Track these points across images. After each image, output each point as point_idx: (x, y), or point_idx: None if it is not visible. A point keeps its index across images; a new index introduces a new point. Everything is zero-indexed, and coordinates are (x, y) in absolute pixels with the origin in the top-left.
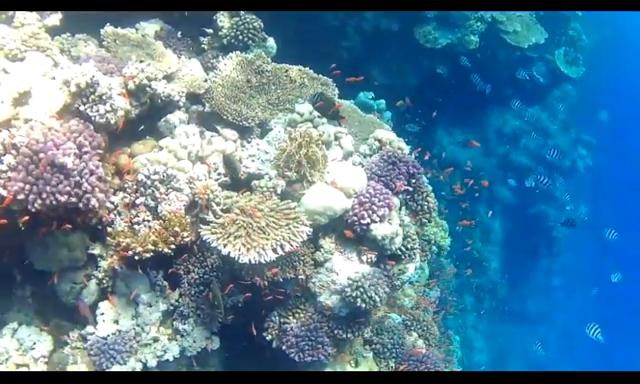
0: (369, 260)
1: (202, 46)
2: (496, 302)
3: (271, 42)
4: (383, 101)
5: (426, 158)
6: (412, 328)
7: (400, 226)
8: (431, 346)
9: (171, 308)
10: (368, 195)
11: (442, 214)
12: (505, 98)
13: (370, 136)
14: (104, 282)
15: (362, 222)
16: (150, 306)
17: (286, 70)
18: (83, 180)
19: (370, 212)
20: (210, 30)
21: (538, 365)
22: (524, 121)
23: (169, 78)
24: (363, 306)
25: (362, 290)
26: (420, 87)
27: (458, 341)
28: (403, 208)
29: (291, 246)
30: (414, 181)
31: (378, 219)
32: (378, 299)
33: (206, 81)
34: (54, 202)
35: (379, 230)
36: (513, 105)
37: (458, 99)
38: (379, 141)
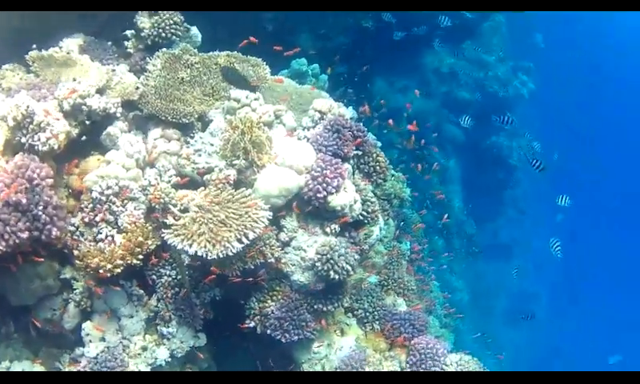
0: (333, 231)
1: (128, 50)
2: (466, 239)
3: (195, 30)
4: (316, 65)
5: (367, 113)
6: (389, 287)
7: (356, 191)
8: (412, 301)
9: (152, 314)
10: (319, 168)
11: (398, 164)
12: (437, 38)
13: (310, 107)
14: (82, 303)
15: (318, 196)
16: (132, 317)
17: (214, 58)
18: (40, 212)
19: (325, 184)
20: (132, 32)
21: (518, 296)
22: (459, 57)
23: (101, 90)
24: (337, 277)
25: (332, 261)
26: (350, 44)
27: (437, 286)
28: (356, 173)
29: (254, 233)
30: (360, 146)
31: (333, 190)
32: (349, 268)
33: (137, 88)
34: (16, 241)
35: (337, 201)
36: (435, 45)
37: (391, 47)
38: (319, 111)
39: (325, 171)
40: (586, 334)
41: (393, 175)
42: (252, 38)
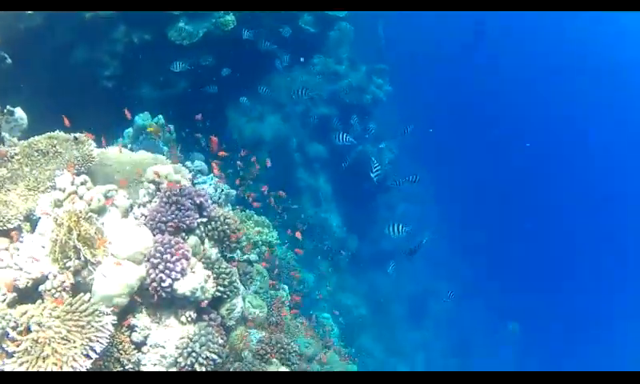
0: (189, 318)
1: None
2: (350, 254)
3: (19, 112)
4: (161, 116)
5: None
6: (268, 353)
7: (208, 265)
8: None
9: None
10: (159, 254)
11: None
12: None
13: (144, 179)
14: None
15: (163, 285)
16: None
17: (35, 145)
18: None
19: (167, 272)
20: None
21: (417, 297)
22: (311, 73)
23: None
24: (203, 368)
25: (194, 354)
26: (192, 86)
27: (329, 318)
28: (206, 241)
29: (101, 343)
30: (204, 212)
31: (178, 276)
32: (214, 357)
33: None
34: None
35: (185, 286)
36: (277, 64)
37: (239, 77)
38: (153, 182)
39: (165, 256)
40: (487, 319)
41: (257, 221)
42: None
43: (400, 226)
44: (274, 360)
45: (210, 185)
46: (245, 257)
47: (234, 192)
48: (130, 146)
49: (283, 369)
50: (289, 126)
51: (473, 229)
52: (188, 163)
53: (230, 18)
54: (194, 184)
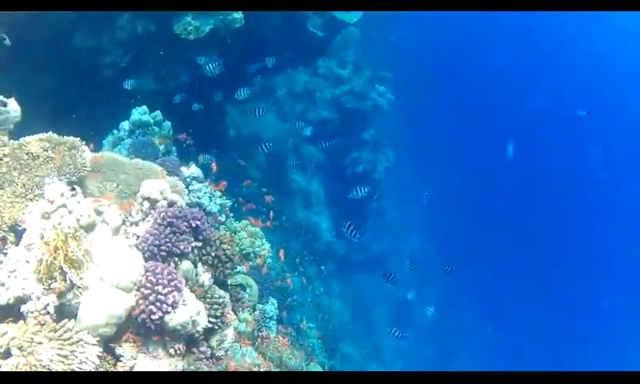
0: (178, 351)
1: None
2: (338, 260)
3: (13, 104)
4: (159, 112)
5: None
6: None
7: (200, 297)
8: None
9: None
10: (150, 284)
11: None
12: (287, 62)
13: (138, 195)
14: None
15: (152, 317)
16: None
17: (26, 147)
18: None
19: (158, 304)
20: None
21: (401, 304)
22: (314, 75)
23: None
24: None
25: None
26: (193, 82)
27: (313, 327)
28: (200, 266)
29: None
30: (200, 236)
31: (169, 309)
32: None
33: None
34: None
35: (176, 319)
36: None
37: (241, 77)
38: (148, 199)
39: (157, 287)
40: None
41: (250, 232)
42: None
43: (354, 231)
44: None
45: (205, 193)
46: (237, 281)
47: (229, 202)
48: (125, 139)
49: None
50: (287, 127)
51: (463, 238)
52: (184, 168)
53: (237, 15)
54: (189, 192)
